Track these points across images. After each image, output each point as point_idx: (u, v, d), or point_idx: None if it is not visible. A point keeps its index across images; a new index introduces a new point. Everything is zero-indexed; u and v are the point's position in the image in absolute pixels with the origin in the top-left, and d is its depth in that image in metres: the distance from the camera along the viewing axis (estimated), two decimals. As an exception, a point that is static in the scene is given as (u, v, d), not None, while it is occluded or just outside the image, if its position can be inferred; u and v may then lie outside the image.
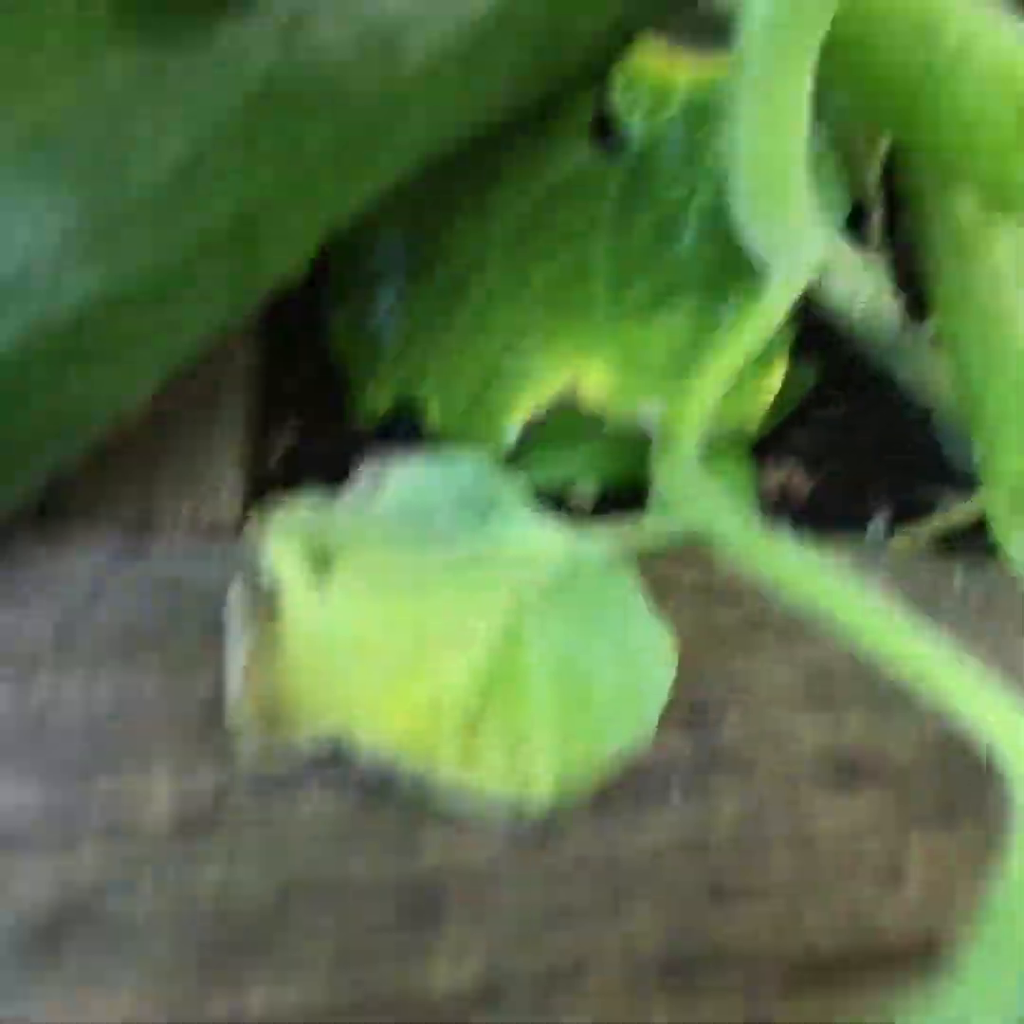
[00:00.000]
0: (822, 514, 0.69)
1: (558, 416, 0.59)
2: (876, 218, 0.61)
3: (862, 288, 0.55)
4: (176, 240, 0.42)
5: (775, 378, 0.57)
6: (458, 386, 0.62)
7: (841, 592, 0.43)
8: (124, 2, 0.40)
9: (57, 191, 0.39)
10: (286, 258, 0.47)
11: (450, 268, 0.66)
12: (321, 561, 0.48)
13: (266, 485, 0.56)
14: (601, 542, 0.49)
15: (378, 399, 0.65)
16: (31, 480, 0.45)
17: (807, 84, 0.45)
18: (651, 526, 0.50)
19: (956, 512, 0.64)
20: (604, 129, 0.68)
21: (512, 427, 0.59)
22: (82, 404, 0.42)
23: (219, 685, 0.45)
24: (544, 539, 0.49)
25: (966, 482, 0.67)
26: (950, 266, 0.58)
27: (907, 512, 0.68)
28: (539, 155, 0.67)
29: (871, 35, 0.53)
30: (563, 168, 0.68)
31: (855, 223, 0.61)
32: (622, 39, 0.66)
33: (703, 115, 0.65)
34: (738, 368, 0.49)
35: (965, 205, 0.59)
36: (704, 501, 0.45)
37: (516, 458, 0.59)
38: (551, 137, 0.67)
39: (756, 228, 0.50)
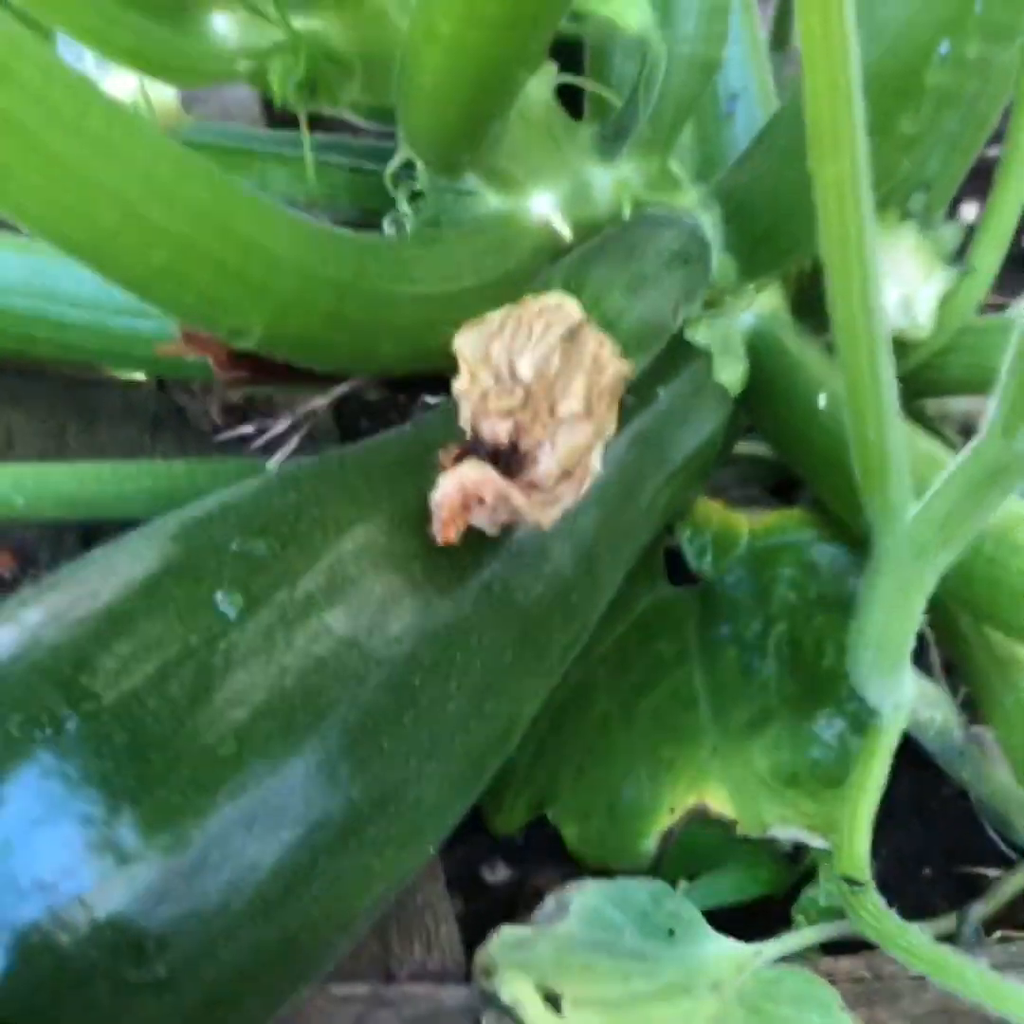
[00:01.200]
0: (888, 888, 0.80)
1: (691, 829, 0.69)
2: (935, 653, 0.74)
3: (936, 714, 0.68)
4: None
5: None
6: (589, 812, 0.71)
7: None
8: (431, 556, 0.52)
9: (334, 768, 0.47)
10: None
11: (563, 687, 0.76)
12: (550, 996, 0.57)
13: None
14: (774, 951, 0.59)
15: (512, 814, 0.74)
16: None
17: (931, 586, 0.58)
18: (811, 934, 0.60)
19: (1009, 887, 0.76)
20: (674, 568, 0.82)
21: (648, 848, 0.69)
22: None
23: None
24: (732, 955, 0.59)
25: (1007, 861, 0.79)
26: (996, 684, 0.71)
27: (960, 885, 0.79)
28: (622, 591, 0.80)
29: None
30: (644, 601, 0.81)
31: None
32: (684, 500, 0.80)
33: (765, 560, 0.79)
34: (878, 793, 0.60)
35: (996, 637, 0.73)
36: (885, 920, 0.56)
37: (657, 866, 0.69)
38: (629, 577, 0.80)
39: (872, 681, 0.62)
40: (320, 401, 0.70)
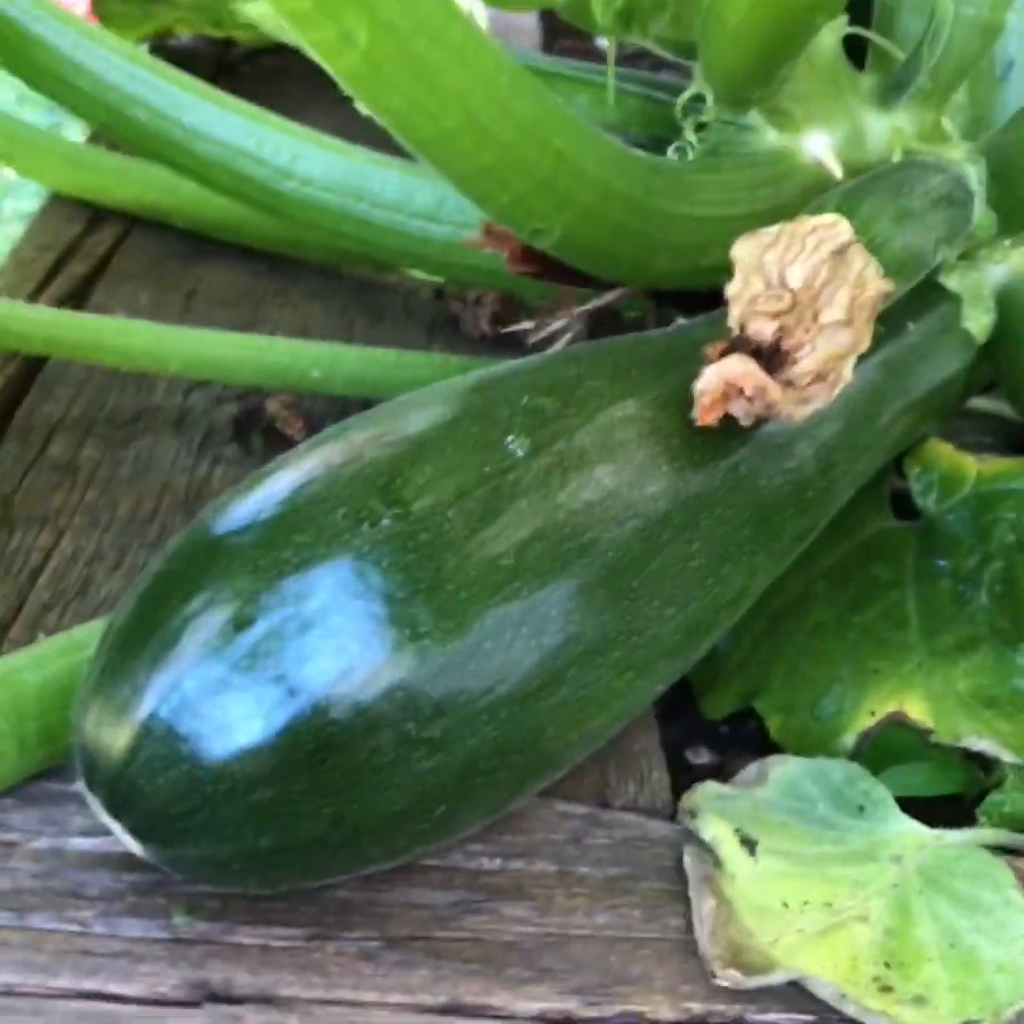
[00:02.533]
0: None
1: (888, 731, 0.75)
2: None
3: None
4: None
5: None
6: (795, 706, 0.78)
7: None
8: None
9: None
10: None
11: (782, 596, 0.83)
12: (746, 841, 0.64)
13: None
14: (957, 838, 0.65)
15: (722, 702, 0.81)
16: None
17: None
18: (991, 835, 0.65)
19: None
20: (899, 502, 0.87)
21: (847, 744, 0.75)
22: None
23: (684, 920, 0.60)
24: (915, 834, 0.65)
25: None
26: None
27: None
28: (849, 517, 0.86)
29: None
30: (868, 529, 0.86)
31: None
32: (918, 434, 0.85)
33: (988, 502, 0.83)
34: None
35: None
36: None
37: (853, 761, 0.75)
38: (857, 504, 0.86)
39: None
40: (587, 307, 0.78)
